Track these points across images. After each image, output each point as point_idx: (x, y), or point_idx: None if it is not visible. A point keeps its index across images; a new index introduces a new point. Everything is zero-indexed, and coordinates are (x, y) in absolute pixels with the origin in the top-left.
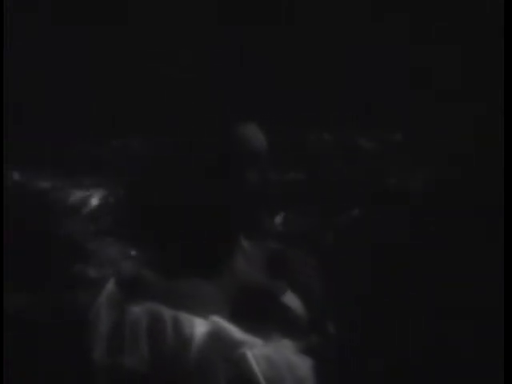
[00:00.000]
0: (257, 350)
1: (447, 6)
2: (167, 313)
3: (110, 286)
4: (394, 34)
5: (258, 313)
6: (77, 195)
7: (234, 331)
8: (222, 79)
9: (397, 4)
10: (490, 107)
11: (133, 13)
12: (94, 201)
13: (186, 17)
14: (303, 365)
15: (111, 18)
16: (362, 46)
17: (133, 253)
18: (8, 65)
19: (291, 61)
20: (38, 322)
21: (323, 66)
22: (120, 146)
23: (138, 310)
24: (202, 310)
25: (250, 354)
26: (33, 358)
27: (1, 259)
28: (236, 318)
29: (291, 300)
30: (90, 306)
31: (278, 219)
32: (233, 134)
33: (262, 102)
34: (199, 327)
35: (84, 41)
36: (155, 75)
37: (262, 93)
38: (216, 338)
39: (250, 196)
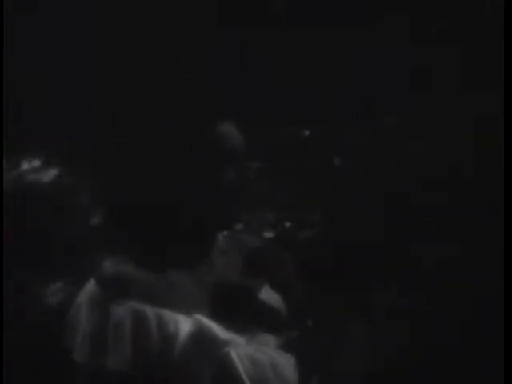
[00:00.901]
0: (240, 349)
1: (447, 6)
2: (150, 312)
3: (91, 286)
4: (394, 33)
5: (239, 310)
6: (75, 195)
7: (218, 330)
8: (221, 79)
9: (397, 4)
10: (490, 107)
11: (133, 13)
12: (88, 200)
13: (186, 17)
14: (286, 363)
15: (111, 18)
16: (361, 45)
17: (113, 252)
18: (8, 65)
19: (291, 61)
20: (15, 324)
21: (323, 65)
22: (119, 146)
23: (120, 310)
24: (185, 309)
25: (233, 353)
26: (13, 359)
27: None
28: (218, 316)
29: (270, 296)
30: (69, 306)
31: (258, 216)
32: (209, 133)
33: (262, 102)
34: (183, 326)
35: (84, 40)
36: (155, 75)
37: (262, 93)
38: (200, 337)
39: (227, 194)
